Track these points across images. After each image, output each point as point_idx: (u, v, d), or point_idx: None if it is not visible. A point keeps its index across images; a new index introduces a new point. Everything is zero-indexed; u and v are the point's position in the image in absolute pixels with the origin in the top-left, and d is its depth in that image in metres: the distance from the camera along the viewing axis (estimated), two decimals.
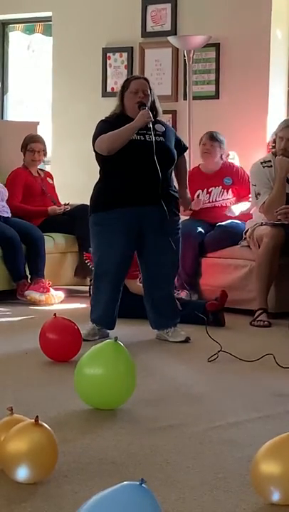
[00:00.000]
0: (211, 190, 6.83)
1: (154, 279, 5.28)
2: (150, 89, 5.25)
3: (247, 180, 6.70)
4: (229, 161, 7.04)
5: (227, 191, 6.83)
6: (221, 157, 6.87)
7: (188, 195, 5.61)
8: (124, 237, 5.16)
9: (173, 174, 5.36)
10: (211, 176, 6.84)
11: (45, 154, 7.47)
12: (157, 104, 5.31)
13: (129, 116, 5.20)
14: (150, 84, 5.28)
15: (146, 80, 5.31)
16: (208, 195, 6.83)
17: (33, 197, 7.30)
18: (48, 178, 7.54)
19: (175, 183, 5.40)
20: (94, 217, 5.27)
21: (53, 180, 7.58)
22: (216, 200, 6.82)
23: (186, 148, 5.59)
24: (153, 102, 5.27)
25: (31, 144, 7.35)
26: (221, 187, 6.83)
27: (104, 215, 5.19)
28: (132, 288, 5.87)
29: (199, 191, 6.80)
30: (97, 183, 5.32)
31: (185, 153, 5.54)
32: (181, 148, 5.44)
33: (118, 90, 5.39)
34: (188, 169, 6.95)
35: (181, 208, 5.52)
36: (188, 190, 5.60)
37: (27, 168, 7.38)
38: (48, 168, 7.82)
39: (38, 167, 7.50)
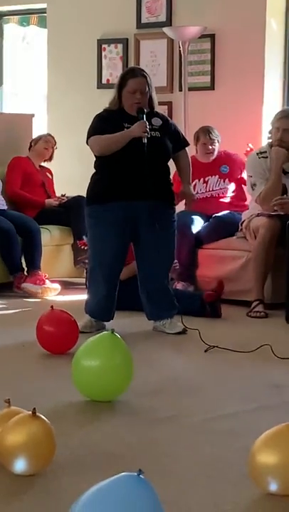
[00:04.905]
0: (208, 180, 6.79)
1: (149, 271, 5.28)
2: (149, 86, 5.18)
3: (241, 164, 6.71)
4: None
5: (224, 180, 6.79)
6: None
7: (192, 190, 5.56)
8: (118, 231, 5.15)
9: (172, 168, 5.33)
10: (208, 165, 6.79)
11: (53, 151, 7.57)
12: (154, 96, 5.26)
13: (126, 111, 5.18)
14: (148, 80, 5.19)
15: (144, 77, 5.19)
16: (204, 184, 6.79)
17: (32, 187, 7.33)
18: (47, 173, 7.57)
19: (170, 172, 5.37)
20: (89, 210, 5.28)
21: (52, 176, 7.60)
22: (212, 190, 6.79)
23: (187, 144, 5.47)
24: (150, 97, 5.22)
25: (48, 137, 7.55)
26: (217, 176, 6.78)
27: (99, 208, 5.19)
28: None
29: (196, 181, 6.72)
30: (93, 175, 5.32)
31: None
32: (180, 142, 5.40)
33: (115, 84, 5.29)
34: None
35: (182, 202, 5.47)
36: (191, 187, 5.56)
37: (30, 159, 7.41)
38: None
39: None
